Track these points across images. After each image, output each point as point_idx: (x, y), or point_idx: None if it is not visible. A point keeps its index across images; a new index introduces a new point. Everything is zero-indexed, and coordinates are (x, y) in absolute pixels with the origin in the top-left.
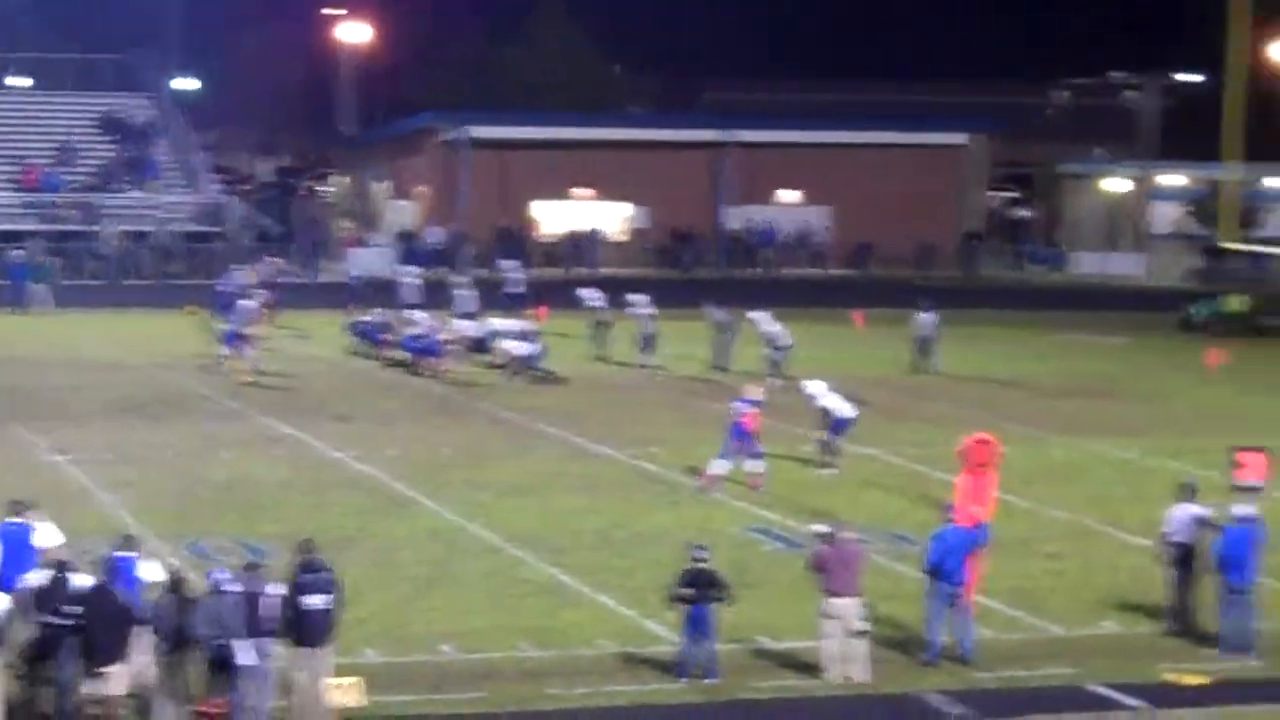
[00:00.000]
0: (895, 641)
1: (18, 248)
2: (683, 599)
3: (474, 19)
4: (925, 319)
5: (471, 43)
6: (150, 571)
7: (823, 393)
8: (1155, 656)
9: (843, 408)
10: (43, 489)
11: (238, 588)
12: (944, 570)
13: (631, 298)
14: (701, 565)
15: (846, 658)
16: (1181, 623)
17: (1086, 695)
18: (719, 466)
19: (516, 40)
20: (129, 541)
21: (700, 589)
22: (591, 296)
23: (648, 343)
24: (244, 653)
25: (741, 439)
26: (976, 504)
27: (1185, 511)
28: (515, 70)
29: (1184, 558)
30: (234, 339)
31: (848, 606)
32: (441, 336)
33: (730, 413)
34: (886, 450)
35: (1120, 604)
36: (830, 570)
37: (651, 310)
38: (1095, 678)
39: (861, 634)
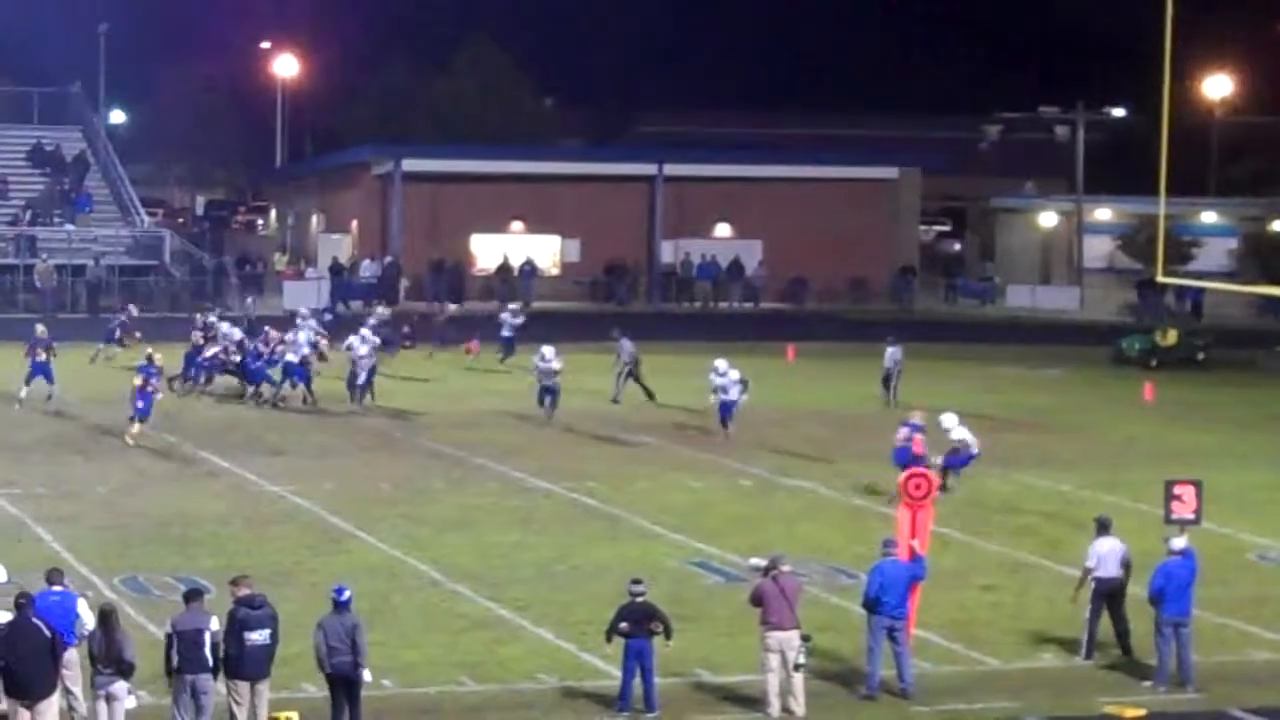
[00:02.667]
0: (834, 674)
1: None
2: (621, 633)
3: (403, 52)
4: (890, 352)
5: (401, 76)
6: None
7: (955, 425)
8: (1093, 689)
9: (974, 442)
10: None
11: (344, 592)
12: (883, 603)
13: (543, 350)
14: (639, 599)
15: (786, 691)
16: (1090, 652)
17: None
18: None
19: (446, 73)
20: (54, 574)
21: (638, 623)
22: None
23: (552, 398)
24: (367, 671)
25: (908, 462)
26: (914, 537)
27: (1108, 545)
28: (445, 103)
29: (1111, 592)
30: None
31: (787, 639)
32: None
33: (898, 438)
34: (821, 483)
35: (1057, 637)
36: (769, 603)
37: (559, 364)
38: (1035, 711)
39: (799, 667)
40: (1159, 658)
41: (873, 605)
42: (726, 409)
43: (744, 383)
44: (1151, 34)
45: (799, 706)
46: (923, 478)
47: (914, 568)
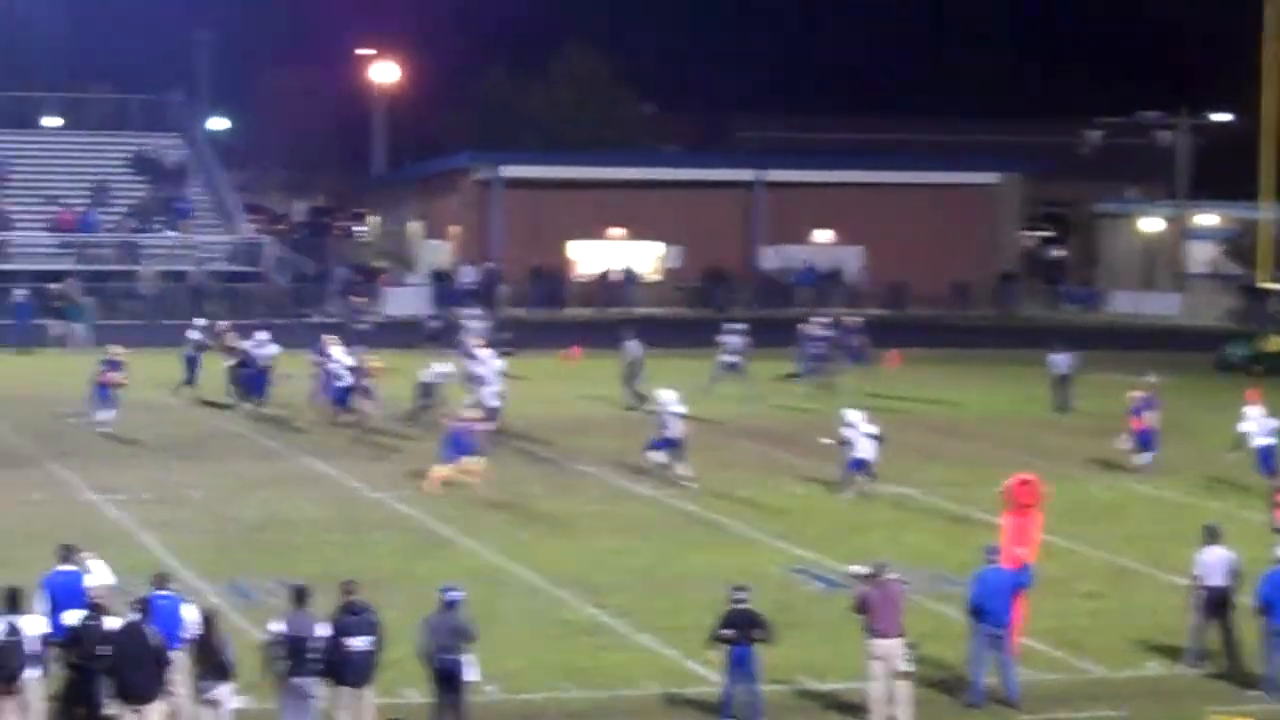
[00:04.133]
0: (939, 682)
1: (26, 288)
2: (724, 639)
3: (503, 58)
4: (1059, 359)
5: (500, 81)
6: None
7: (1259, 416)
8: (1200, 698)
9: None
10: (82, 529)
11: (453, 593)
12: (986, 611)
13: (660, 394)
14: (743, 606)
15: (891, 699)
16: (1196, 660)
17: None
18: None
19: (545, 80)
20: (162, 579)
21: (742, 629)
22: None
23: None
24: (470, 667)
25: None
26: (1020, 545)
27: (1215, 555)
28: (544, 110)
29: (1218, 601)
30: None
31: (892, 647)
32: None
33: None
34: (924, 490)
35: (1162, 645)
36: (874, 611)
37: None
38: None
39: (905, 675)
40: (1268, 666)
41: (976, 613)
42: (857, 464)
43: (878, 438)
44: (1254, 36)
45: (903, 714)
46: (1031, 484)
47: (1018, 575)
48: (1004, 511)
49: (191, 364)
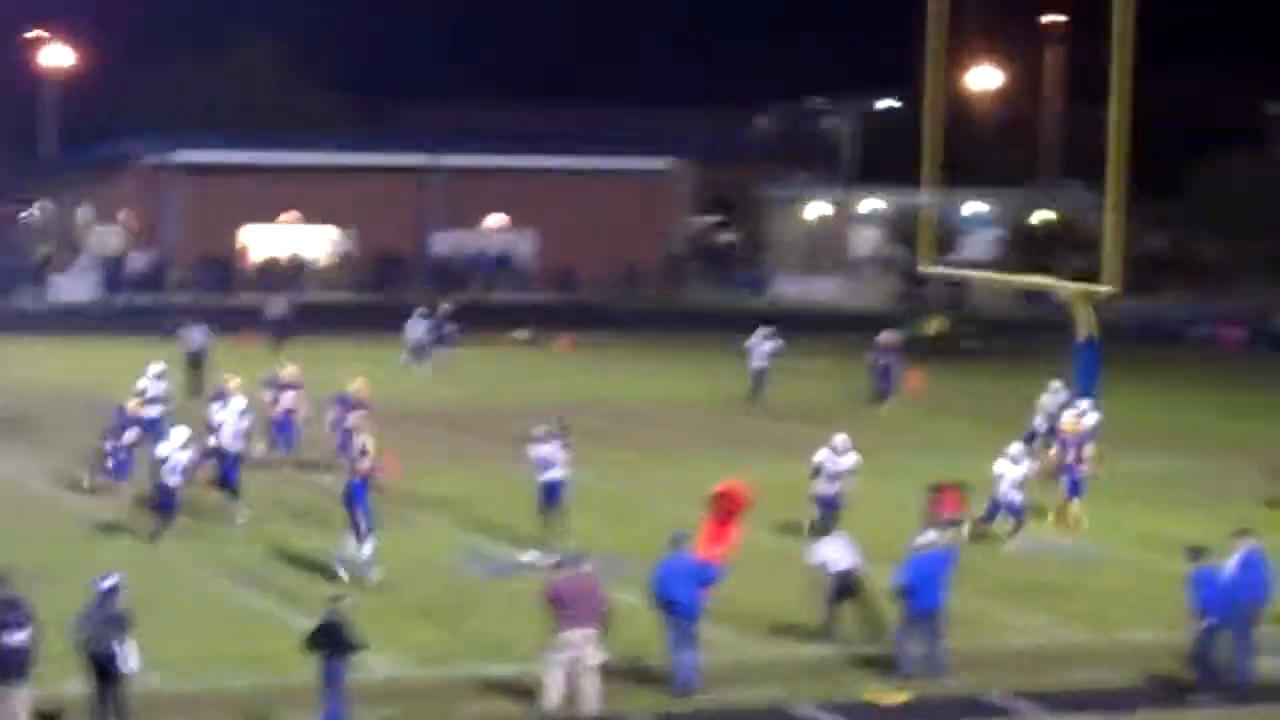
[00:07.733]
0: (621, 669)
1: None
2: (314, 649)
3: (182, 43)
4: (761, 348)
5: (177, 67)
6: None
7: None
8: (852, 677)
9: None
10: None
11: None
12: (672, 599)
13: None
14: (334, 616)
15: (575, 688)
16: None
17: (792, 716)
18: None
19: (217, 63)
20: None
21: (331, 641)
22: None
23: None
24: (129, 657)
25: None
26: (716, 545)
27: (835, 545)
28: (218, 94)
29: (844, 585)
30: None
31: (582, 637)
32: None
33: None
34: (590, 473)
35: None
36: (566, 601)
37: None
38: (802, 698)
39: (594, 665)
40: (908, 648)
41: (665, 604)
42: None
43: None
44: (919, 25)
45: (590, 703)
46: (737, 495)
47: (705, 570)
48: (707, 514)
49: None
